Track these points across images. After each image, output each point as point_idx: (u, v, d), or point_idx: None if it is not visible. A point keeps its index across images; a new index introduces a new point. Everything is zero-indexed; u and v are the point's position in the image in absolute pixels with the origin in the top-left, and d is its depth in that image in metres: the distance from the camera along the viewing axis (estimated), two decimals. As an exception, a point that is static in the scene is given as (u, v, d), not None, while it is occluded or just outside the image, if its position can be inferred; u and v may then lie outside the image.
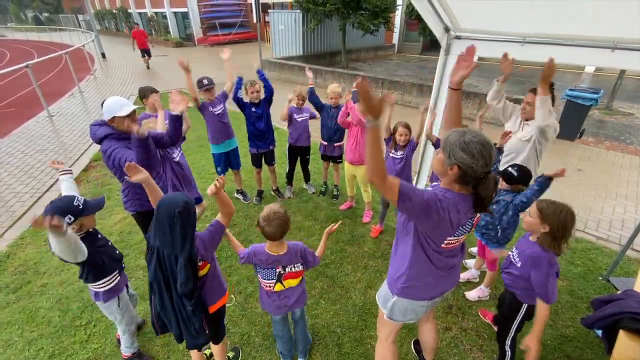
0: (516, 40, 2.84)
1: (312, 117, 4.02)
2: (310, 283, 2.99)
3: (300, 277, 1.97)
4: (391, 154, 3.18)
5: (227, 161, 4.05)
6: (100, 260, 1.90)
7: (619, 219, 3.93)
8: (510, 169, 2.34)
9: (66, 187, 2.09)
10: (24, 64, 7.20)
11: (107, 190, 4.56)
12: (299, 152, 4.19)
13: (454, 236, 1.48)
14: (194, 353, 2.08)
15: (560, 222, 1.71)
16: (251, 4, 15.17)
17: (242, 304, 2.78)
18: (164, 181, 2.82)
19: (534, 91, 2.56)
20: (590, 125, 7.04)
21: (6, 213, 4.08)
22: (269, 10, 14.84)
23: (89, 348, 2.42)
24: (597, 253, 3.37)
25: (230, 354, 2.32)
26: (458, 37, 3.25)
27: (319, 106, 3.87)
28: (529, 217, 1.84)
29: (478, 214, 1.52)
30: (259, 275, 1.93)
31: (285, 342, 2.19)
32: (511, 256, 1.98)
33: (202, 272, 1.73)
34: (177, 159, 3.01)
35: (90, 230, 1.91)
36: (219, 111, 3.70)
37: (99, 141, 2.22)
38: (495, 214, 2.38)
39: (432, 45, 18.11)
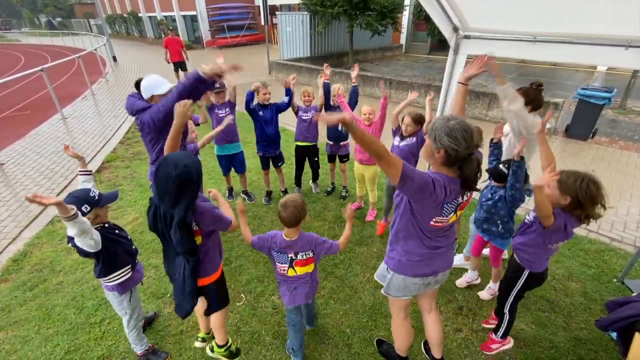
0: (526, 39, 2.81)
1: None
2: (319, 283, 2.98)
3: (312, 265, 2.06)
4: (396, 143, 3.11)
5: (230, 165, 4.10)
6: (113, 252, 1.95)
7: (633, 220, 3.85)
8: (501, 166, 2.30)
9: (83, 184, 2.13)
10: (39, 68, 7.39)
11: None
12: (305, 153, 4.18)
13: (441, 216, 1.59)
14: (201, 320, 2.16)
15: (581, 191, 1.70)
16: (259, 6, 15.32)
17: (252, 303, 2.81)
18: None
19: (520, 90, 2.54)
20: (604, 124, 6.90)
21: (23, 213, 4.19)
22: (277, 13, 14.93)
23: (103, 345, 2.47)
24: (611, 255, 3.31)
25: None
26: (467, 37, 3.24)
27: (327, 105, 3.89)
28: (547, 189, 1.75)
29: (465, 197, 1.64)
30: (274, 261, 2.04)
31: (297, 330, 2.23)
32: (527, 219, 2.01)
33: None
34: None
35: (106, 224, 1.98)
36: (224, 114, 3.72)
37: (136, 112, 2.28)
38: (492, 209, 2.40)
39: (439, 45, 17.97)
